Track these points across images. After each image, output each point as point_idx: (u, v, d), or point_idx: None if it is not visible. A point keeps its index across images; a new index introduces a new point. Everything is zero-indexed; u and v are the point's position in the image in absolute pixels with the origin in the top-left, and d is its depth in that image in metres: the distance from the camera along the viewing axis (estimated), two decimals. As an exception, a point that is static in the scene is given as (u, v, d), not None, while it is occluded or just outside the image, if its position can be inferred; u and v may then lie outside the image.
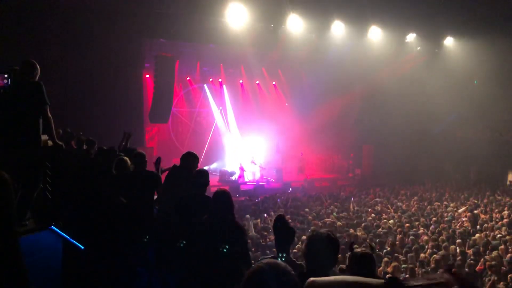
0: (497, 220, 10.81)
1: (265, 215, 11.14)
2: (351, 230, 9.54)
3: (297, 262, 3.34)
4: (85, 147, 6.85)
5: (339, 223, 10.13)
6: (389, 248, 8.23)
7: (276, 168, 19.90)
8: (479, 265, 7.22)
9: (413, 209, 12.49)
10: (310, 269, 2.52)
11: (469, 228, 10.13)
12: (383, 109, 20.05)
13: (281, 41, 17.56)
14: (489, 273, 6.83)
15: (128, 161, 5.05)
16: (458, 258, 7.71)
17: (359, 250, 2.65)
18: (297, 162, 21.34)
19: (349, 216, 11.44)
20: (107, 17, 14.22)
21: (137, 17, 14.62)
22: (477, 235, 9.31)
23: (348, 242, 7.31)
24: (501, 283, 6.55)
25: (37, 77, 4.25)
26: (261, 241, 8.70)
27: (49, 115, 4.21)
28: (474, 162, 20.13)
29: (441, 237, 9.01)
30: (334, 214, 11.37)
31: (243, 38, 16.44)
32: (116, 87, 14.91)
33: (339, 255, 7.00)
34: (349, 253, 2.61)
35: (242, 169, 18.93)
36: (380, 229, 9.69)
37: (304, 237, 8.12)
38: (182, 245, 3.71)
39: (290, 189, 17.03)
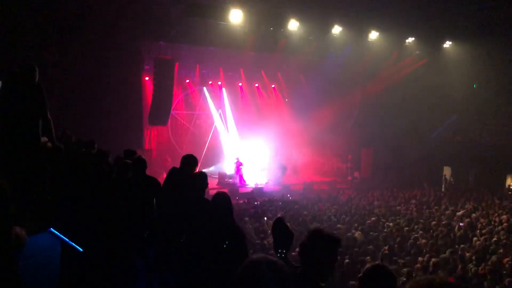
0: (496, 224, 10.80)
1: (265, 218, 11.12)
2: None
3: (295, 265, 3.34)
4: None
5: (339, 225, 10.13)
6: (388, 252, 8.22)
7: (275, 174, 19.85)
8: (479, 269, 7.20)
9: (411, 213, 12.48)
10: (307, 269, 2.51)
11: (468, 232, 10.12)
12: (382, 112, 20.08)
13: (281, 45, 17.59)
14: (489, 277, 6.82)
15: (131, 166, 5.01)
16: (457, 262, 7.70)
17: (380, 263, 2.54)
18: (294, 164, 21.40)
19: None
20: (106, 20, 14.25)
21: (136, 20, 14.66)
22: (476, 239, 9.31)
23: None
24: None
25: (36, 79, 4.25)
26: (257, 242, 8.70)
27: (49, 117, 4.21)
28: (473, 166, 20.14)
29: (439, 241, 9.01)
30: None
31: (243, 41, 16.48)
32: (115, 89, 14.93)
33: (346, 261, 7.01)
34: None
35: (238, 162, 18.98)
36: (378, 233, 9.69)
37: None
38: (181, 246, 3.70)
39: (290, 196, 16.74)
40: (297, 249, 2.63)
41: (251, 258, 1.61)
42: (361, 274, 2.37)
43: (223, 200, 3.70)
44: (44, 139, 4.30)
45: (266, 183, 19.26)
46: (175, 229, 4.20)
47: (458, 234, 9.75)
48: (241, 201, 14.90)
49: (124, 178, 4.76)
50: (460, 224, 10.74)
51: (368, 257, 7.55)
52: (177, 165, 4.92)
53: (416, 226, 10.60)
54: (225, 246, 3.46)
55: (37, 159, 4.11)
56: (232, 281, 1.59)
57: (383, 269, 2.40)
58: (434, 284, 1.21)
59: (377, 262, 2.53)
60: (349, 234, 9.50)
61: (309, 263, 2.50)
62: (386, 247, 8.50)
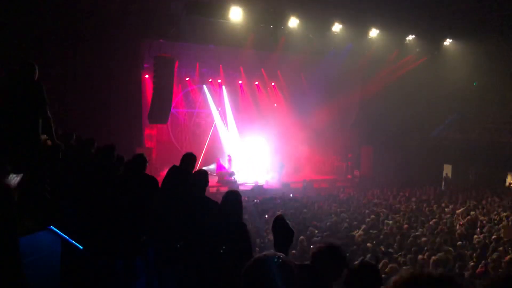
0: (496, 222, 10.81)
1: (266, 216, 11.13)
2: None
3: (295, 263, 3.34)
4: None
5: (346, 225, 10.14)
6: (387, 249, 8.22)
7: (274, 172, 19.85)
8: (479, 267, 7.19)
9: (412, 211, 12.48)
10: (317, 270, 2.53)
11: (468, 229, 10.12)
12: (382, 111, 20.07)
13: (281, 42, 17.57)
14: (490, 275, 6.81)
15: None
16: (457, 260, 7.70)
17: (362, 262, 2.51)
18: (293, 162, 21.42)
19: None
20: (106, 18, 14.23)
21: (136, 18, 14.63)
22: (476, 236, 9.31)
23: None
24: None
25: (36, 77, 4.25)
26: (257, 240, 8.70)
27: (49, 115, 4.21)
28: (473, 164, 20.14)
29: (439, 239, 9.00)
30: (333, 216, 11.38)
31: (243, 39, 16.45)
32: (115, 88, 14.91)
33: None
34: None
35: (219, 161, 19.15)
36: (378, 231, 9.69)
37: (301, 238, 8.14)
38: (181, 245, 3.70)
39: (291, 195, 16.63)
40: (298, 248, 2.65)
41: (258, 255, 1.61)
42: (345, 274, 2.38)
43: (233, 197, 3.71)
44: (44, 137, 4.30)
45: (266, 181, 19.27)
46: (175, 228, 4.20)
47: (458, 232, 9.75)
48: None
49: (129, 175, 4.76)
50: (460, 223, 10.75)
51: (368, 255, 7.54)
52: (171, 163, 4.95)
53: (416, 224, 10.60)
54: (224, 248, 3.45)
55: (37, 157, 4.10)
56: (239, 279, 1.58)
57: (367, 265, 2.41)
58: (421, 277, 1.22)
59: (361, 259, 2.55)
60: (349, 232, 9.52)
61: (319, 268, 2.52)
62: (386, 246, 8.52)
